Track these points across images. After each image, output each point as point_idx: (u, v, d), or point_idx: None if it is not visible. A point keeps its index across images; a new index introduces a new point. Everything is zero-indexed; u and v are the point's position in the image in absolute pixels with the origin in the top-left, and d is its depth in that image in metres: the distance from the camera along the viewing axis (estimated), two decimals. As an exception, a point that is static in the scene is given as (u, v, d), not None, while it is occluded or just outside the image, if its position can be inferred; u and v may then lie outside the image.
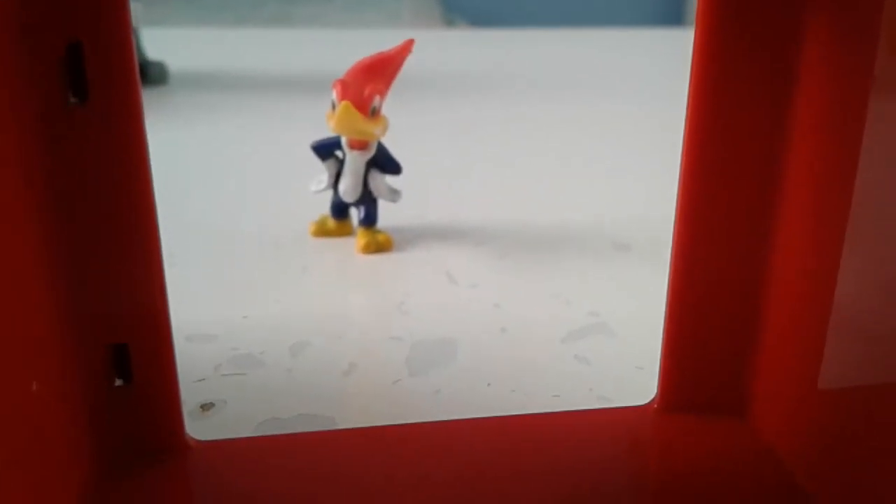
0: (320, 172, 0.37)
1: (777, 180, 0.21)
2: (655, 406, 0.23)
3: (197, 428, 0.23)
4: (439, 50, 0.72)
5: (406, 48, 0.34)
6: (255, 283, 0.34)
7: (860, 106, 0.19)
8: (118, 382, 0.20)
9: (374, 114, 0.33)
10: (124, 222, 0.19)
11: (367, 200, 0.36)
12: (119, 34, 0.17)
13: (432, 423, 0.24)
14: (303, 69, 0.72)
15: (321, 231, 0.37)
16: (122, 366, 0.20)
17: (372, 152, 0.35)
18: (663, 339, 0.23)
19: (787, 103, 0.20)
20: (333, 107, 0.33)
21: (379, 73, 0.33)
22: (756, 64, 0.20)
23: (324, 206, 0.38)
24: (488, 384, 0.27)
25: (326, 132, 0.36)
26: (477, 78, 0.70)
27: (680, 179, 0.21)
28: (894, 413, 0.19)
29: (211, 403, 0.26)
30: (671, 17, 2.02)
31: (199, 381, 0.27)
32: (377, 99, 0.33)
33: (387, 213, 0.37)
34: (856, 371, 0.21)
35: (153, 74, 0.66)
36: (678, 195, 0.21)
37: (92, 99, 0.18)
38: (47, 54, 0.17)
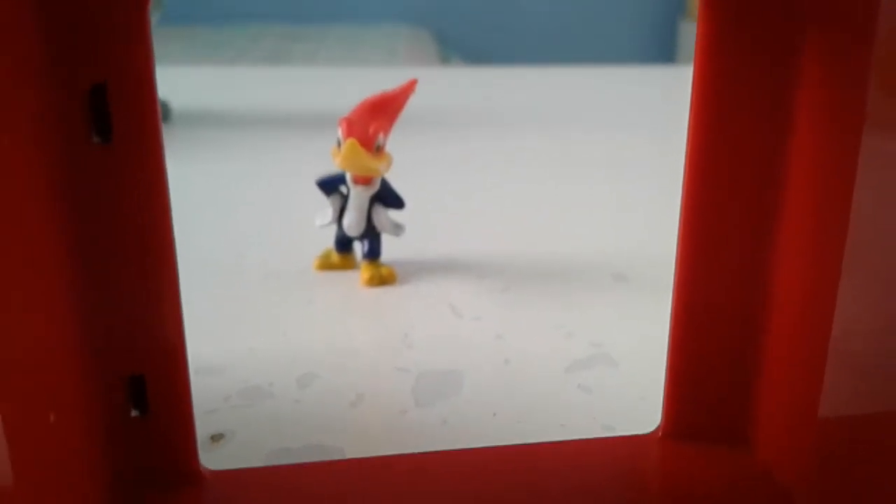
0: (324, 207, 0.38)
1: (776, 211, 0.22)
2: (660, 434, 0.24)
3: (208, 458, 0.23)
4: (436, 87, 0.73)
5: (409, 88, 0.35)
6: (261, 316, 0.35)
7: (854, 143, 0.19)
8: (134, 413, 0.21)
9: (378, 151, 0.34)
10: (144, 257, 0.19)
11: (371, 234, 0.37)
12: (143, 74, 0.18)
13: (440, 452, 0.24)
14: (302, 106, 0.73)
15: (325, 264, 0.38)
16: (138, 397, 0.20)
17: (376, 188, 0.36)
18: (666, 367, 0.23)
19: (785, 139, 0.21)
20: (339, 144, 0.34)
21: (383, 111, 0.34)
22: (754, 97, 0.21)
23: (327, 240, 0.39)
24: (494, 414, 0.28)
25: (327, 168, 0.37)
26: (474, 114, 0.71)
27: (681, 210, 0.22)
28: (893, 440, 0.20)
29: (221, 434, 0.26)
30: (664, 54, 2.05)
31: (209, 412, 0.27)
32: (381, 136, 0.34)
33: (390, 247, 0.38)
34: (854, 399, 0.21)
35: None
36: (679, 226, 0.22)
37: (115, 138, 0.18)
38: (72, 93, 0.18)
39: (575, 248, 0.42)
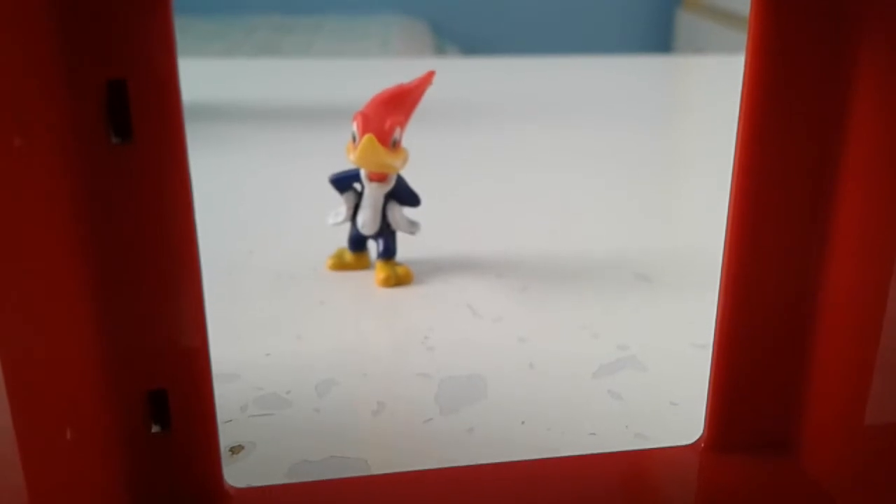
0: (336, 205, 0.36)
1: (826, 216, 0.21)
2: (703, 445, 0.23)
3: (228, 472, 0.22)
4: (437, 78, 0.73)
5: (426, 80, 0.34)
6: (274, 319, 0.33)
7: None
8: (155, 429, 0.20)
9: (394, 146, 0.33)
10: (167, 264, 0.18)
11: (386, 233, 0.36)
12: (165, 72, 0.17)
13: (470, 467, 0.23)
14: (299, 99, 0.71)
15: (339, 264, 0.37)
16: (160, 412, 0.19)
17: (391, 184, 0.34)
18: (711, 376, 0.22)
19: (838, 142, 0.20)
20: (354, 139, 0.33)
21: (399, 105, 0.33)
22: (808, 91, 0.20)
23: (339, 239, 0.37)
24: (522, 422, 0.27)
25: (330, 163, 0.35)
26: (473, 106, 0.70)
27: (729, 215, 0.21)
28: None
29: (240, 446, 0.25)
30: (660, 44, 2.04)
31: (227, 422, 0.26)
32: (398, 131, 0.33)
33: (404, 246, 0.37)
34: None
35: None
36: (727, 232, 0.21)
37: (136, 138, 0.17)
38: (89, 91, 0.17)
39: (591, 245, 0.41)
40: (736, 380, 0.22)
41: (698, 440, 0.23)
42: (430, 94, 0.35)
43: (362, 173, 0.34)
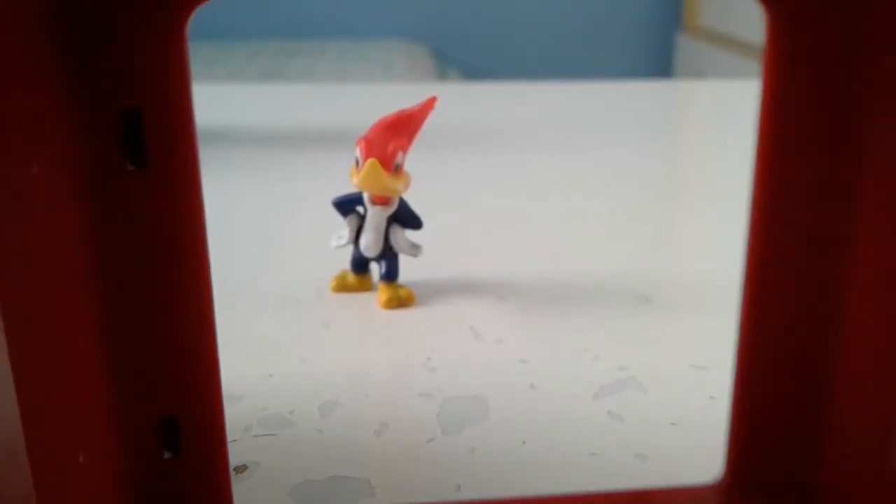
0: (339, 228, 0.37)
1: (849, 248, 0.20)
2: (722, 485, 0.22)
3: (233, 492, 0.22)
4: (439, 103, 0.73)
5: (429, 105, 0.34)
6: (277, 340, 0.34)
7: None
8: (167, 455, 0.20)
9: (397, 170, 0.34)
10: (179, 291, 0.18)
11: (388, 255, 0.36)
12: (179, 101, 0.17)
13: (473, 502, 0.23)
14: (303, 123, 0.72)
15: (342, 286, 0.37)
16: (171, 438, 0.20)
17: (394, 208, 0.35)
18: (731, 414, 0.22)
19: (859, 167, 0.20)
20: (357, 163, 0.33)
21: (402, 129, 0.33)
22: (825, 117, 0.19)
23: (342, 262, 0.38)
24: (523, 442, 0.27)
25: (331, 186, 0.36)
26: (474, 129, 0.70)
27: (747, 247, 0.20)
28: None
29: (244, 466, 0.25)
30: (661, 69, 2.06)
31: (231, 442, 0.27)
32: (401, 155, 0.33)
33: (406, 268, 0.37)
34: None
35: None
36: (745, 263, 0.20)
37: (150, 166, 0.18)
38: (106, 121, 0.17)
39: (593, 267, 0.41)
40: (757, 419, 0.21)
41: (718, 479, 0.23)
42: (432, 119, 0.36)
43: (365, 196, 0.35)
